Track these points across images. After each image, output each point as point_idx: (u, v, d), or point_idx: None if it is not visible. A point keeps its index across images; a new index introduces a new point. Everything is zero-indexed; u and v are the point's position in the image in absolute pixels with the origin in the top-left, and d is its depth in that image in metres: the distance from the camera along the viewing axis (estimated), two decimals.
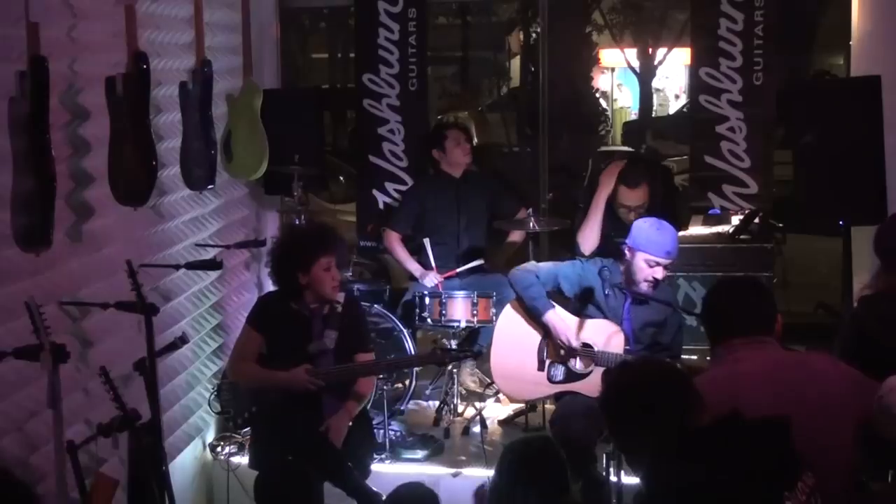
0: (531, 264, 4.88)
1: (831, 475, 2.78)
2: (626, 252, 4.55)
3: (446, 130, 5.88)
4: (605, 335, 4.61)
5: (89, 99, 3.98)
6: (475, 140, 18.77)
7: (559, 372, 4.72)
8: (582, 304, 4.73)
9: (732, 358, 3.17)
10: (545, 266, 4.84)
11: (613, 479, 4.16)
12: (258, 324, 4.56)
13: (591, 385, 4.59)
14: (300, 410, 4.39)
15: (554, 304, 4.72)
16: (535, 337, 4.80)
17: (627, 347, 4.55)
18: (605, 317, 4.64)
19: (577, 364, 4.68)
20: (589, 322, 4.67)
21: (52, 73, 3.38)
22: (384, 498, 4.16)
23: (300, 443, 4.31)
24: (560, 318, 4.67)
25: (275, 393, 4.43)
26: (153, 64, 4.01)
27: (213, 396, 4.81)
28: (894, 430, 2.97)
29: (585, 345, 4.64)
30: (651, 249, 4.46)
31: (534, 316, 4.75)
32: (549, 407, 5.03)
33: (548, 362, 4.75)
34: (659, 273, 4.48)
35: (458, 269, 5.68)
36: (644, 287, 4.50)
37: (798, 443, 2.55)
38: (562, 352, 4.69)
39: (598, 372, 4.59)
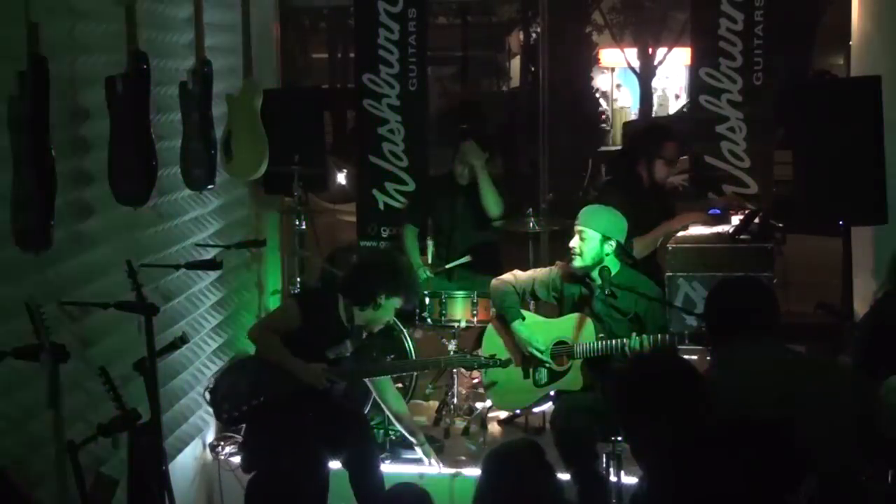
0: (510, 275, 4.91)
1: (832, 476, 2.78)
2: None
3: (461, 143, 5.76)
4: (575, 328, 4.67)
5: (89, 99, 3.98)
6: None
7: (542, 375, 4.77)
8: (562, 304, 4.81)
9: (734, 358, 3.18)
10: (523, 274, 4.90)
11: (613, 479, 4.18)
12: (307, 310, 4.51)
13: (572, 381, 4.67)
14: (313, 403, 4.41)
15: (523, 313, 4.80)
16: (519, 347, 4.83)
17: (601, 335, 4.59)
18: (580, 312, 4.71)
19: (553, 363, 4.74)
20: (558, 320, 4.76)
21: (52, 73, 3.38)
22: None
23: (315, 434, 4.35)
24: (524, 327, 4.75)
25: (282, 380, 4.41)
26: (153, 64, 4.01)
27: (206, 390, 4.73)
28: (894, 430, 2.97)
29: (561, 342, 4.69)
30: None
31: (505, 325, 4.82)
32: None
33: (531, 368, 4.79)
34: (573, 241, 4.64)
35: (447, 266, 5.71)
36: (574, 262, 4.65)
37: (799, 443, 2.56)
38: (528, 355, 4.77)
39: (576, 366, 4.66)
